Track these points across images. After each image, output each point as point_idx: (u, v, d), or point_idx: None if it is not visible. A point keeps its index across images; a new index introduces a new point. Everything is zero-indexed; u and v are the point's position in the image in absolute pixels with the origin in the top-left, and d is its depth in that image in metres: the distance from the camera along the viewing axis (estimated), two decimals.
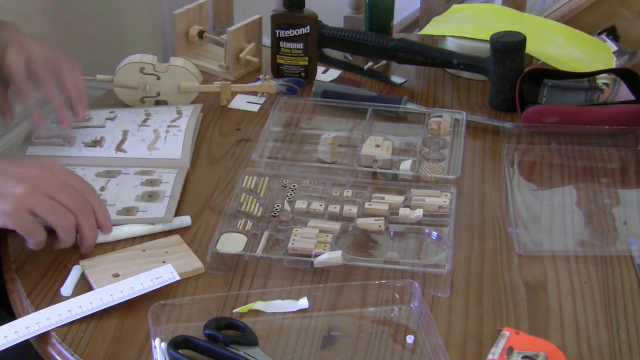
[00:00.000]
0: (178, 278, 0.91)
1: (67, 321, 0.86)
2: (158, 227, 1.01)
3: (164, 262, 0.94)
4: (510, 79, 1.28)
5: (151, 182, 1.08)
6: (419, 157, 1.14)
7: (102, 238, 0.98)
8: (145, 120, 1.20)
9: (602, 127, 1.21)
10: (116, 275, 0.92)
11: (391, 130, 1.22)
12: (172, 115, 1.22)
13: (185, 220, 1.02)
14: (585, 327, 0.88)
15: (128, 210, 1.02)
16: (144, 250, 0.97)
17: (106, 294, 0.89)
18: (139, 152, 1.14)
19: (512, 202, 1.07)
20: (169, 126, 1.19)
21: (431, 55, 1.37)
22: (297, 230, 0.98)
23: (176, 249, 0.97)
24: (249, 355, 0.81)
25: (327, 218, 1.02)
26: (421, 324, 0.87)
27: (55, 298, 0.90)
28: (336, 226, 1.00)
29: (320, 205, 1.04)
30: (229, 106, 1.31)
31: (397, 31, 1.93)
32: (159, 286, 0.90)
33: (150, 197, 1.05)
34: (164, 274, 0.91)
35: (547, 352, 0.81)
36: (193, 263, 0.94)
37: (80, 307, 0.87)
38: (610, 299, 0.92)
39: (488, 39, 1.29)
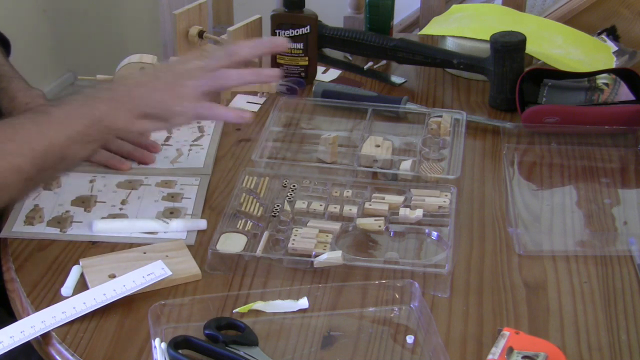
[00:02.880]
0: (170, 273, 0.91)
1: (62, 323, 0.86)
2: (172, 226, 1.01)
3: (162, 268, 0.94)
4: (510, 79, 1.28)
5: (172, 197, 1.07)
6: (419, 157, 1.14)
7: (121, 229, 0.99)
8: (167, 139, 1.20)
9: (602, 127, 1.21)
10: (112, 276, 0.92)
11: (391, 130, 1.22)
12: (194, 134, 1.22)
13: (201, 223, 1.02)
14: (585, 327, 0.88)
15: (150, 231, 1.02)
16: (144, 253, 0.96)
17: (99, 294, 0.88)
18: (161, 165, 1.14)
19: (512, 202, 1.07)
20: (191, 145, 1.19)
21: (431, 55, 1.37)
22: (297, 230, 0.98)
23: (177, 253, 0.96)
24: (249, 355, 0.81)
25: (327, 218, 1.02)
26: (421, 324, 0.87)
27: (56, 298, 0.90)
28: (336, 226, 1.00)
29: (320, 205, 1.04)
30: (229, 106, 1.31)
31: (397, 31, 1.93)
32: (151, 282, 0.90)
33: (172, 213, 1.04)
34: (155, 270, 0.91)
35: (547, 352, 0.81)
36: (191, 269, 0.94)
37: (74, 308, 0.87)
38: (610, 299, 0.92)
39: (488, 39, 1.29)
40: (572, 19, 1.57)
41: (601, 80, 1.26)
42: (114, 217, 1.03)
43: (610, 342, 0.86)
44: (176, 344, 0.81)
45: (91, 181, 1.09)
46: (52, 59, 2.68)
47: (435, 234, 1.00)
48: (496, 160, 1.17)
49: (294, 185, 1.08)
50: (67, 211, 1.04)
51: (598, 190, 1.11)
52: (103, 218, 1.03)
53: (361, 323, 0.88)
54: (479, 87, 1.38)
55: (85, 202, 1.06)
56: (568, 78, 1.28)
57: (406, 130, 1.23)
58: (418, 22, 1.87)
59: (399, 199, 1.05)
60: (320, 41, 1.42)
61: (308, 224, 1.00)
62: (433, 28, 1.50)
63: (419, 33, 1.54)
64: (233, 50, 1.02)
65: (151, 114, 0.98)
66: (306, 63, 1.36)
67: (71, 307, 0.87)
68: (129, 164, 1.12)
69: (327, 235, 0.98)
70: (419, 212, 1.02)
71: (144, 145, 1.15)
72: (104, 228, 1.00)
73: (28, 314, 0.88)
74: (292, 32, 1.34)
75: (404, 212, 1.02)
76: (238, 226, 1.00)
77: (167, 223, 1.00)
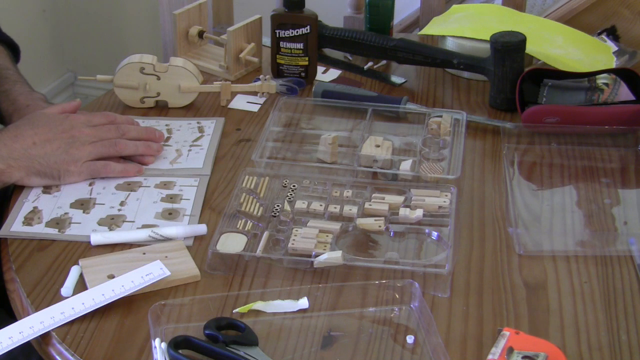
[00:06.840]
0: (168, 274, 0.91)
1: (60, 324, 0.86)
2: (171, 235, 1.00)
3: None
4: (510, 79, 1.28)
5: (171, 198, 1.07)
6: (419, 157, 1.14)
7: (115, 238, 0.99)
8: (167, 140, 1.20)
9: (602, 127, 1.21)
10: (111, 277, 0.92)
11: (391, 130, 1.22)
12: (194, 134, 1.21)
13: (201, 228, 1.01)
14: (585, 327, 0.88)
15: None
16: (144, 254, 0.96)
17: (98, 294, 0.89)
18: (160, 165, 1.14)
19: (512, 202, 1.07)
20: (191, 145, 1.19)
21: (431, 55, 1.37)
22: (297, 230, 0.98)
23: (176, 254, 0.96)
24: (249, 355, 0.81)
25: (327, 218, 1.02)
26: (421, 324, 0.87)
27: (56, 298, 0.90)
28: (336, 226, 1.00)
29: (320, 205, 1.04)
30: (229, 106, 1.31)
31: (397, 31, 1.93)
32: (149, 283, 0.90)
33: (170, 214, 1.04)
34: (154, 270, 0.91)
35: (547, 352, 0.81)
36: (190, 270, 0.94)
37: (72, 308, 0.87)
38: (610, 299, 0.92)
39: (488, 39, 1.29)
40: (572, 19, 1.57)
41: (601, 80, 1.26)
42: (112, 219, 1.03)
43: (610, 342, 0.86)
44: (176, 344, 0.81)
45: (90, 184, 1.09)
46: (52, 59, 2.68)
47: (435, 234, 1.00)
48: (496, 160, 1.17)
49: (294, 185, 1.08)
50: (65, 213, 1.04)
51: (598, 190, 1.11)
52: (101, 219, 1.03)
53: (361, 323, 0.88)
54: (479, 87, 1.38)
55: (84, 204, 1.06)
56: (568, 78, 1.28)
57: (406, 130, 1.23)
58: (418, 22, 1.86)
59: (399, 199, 1.05)
60: (320, 41, 1.42)
61: (308, 224, 1.00)
62: (433, 28, 1.50)
63: (419, 33, 1.54)
64: (124, 129, 1.13)
65: (45, 173, 1.07)
66: (306, 63, 1.36)
67: (70, 307, 0.87)
68: (141, 167, 1.13)
69: (327, 235, 0.98)
70: (419, 212, 1.02)
71: (149, 138, 1.16)
72: (102, 240, 1.00)
73: (28, 314, 0.88)
74: (292, 32, 1.34)
75: (404, 212, 1.02)
76: (238, 226, 1.00)
77: (163, 238, 0.99)
